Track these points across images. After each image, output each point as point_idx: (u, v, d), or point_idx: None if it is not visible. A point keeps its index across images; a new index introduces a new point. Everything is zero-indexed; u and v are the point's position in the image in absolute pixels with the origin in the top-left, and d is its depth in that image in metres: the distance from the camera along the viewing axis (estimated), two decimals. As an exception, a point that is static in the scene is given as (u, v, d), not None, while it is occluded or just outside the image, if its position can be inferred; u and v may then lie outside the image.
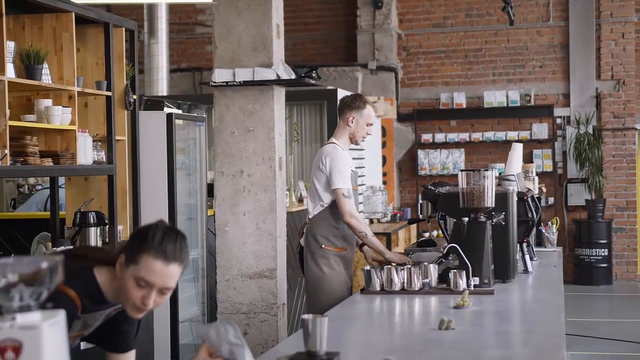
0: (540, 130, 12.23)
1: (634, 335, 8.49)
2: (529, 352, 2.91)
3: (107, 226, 5.44)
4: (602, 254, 11.82)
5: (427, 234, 10.06)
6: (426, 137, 12.53)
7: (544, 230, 6.15)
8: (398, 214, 10.38)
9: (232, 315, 5.45)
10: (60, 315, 1.74)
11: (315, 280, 5.04)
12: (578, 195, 12.18)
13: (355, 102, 5.14)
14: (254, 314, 5.47)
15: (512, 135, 12.17)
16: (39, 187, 7.92)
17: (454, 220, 4.42)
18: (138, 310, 2.57)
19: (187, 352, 6.39)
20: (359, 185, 9.36)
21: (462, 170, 4.32)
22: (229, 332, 2.36)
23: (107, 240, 5.46)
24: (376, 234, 8.76)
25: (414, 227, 10.63)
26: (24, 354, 1.67)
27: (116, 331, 2.79)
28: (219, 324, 2.38)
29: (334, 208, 5.04)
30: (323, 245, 5.03)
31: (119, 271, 2.56)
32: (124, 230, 5.70)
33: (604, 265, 11.85)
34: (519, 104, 12.30)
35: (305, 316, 2.68)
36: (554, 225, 6.18)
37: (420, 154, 12.52)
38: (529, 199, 4.89)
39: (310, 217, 5.14)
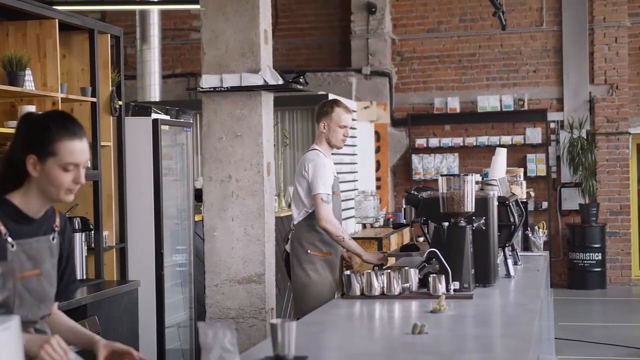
0: (534, 134, 12.23)
1: (627, 340, 8.50)
2: (496, 355, 2.92)
3: (92, 232, 5.45)
4: (596, 258, 11.82)
5: (421, 239, 10.06)
6: (420, 141, 12.55)
7: (530, 235, 6.16)
8: (391, 219, 10.39)
9: (220, 321, 5.45)
10: (14, 321, 1.76)
11: (302, 285, 5.09)
12: (572, 200, 12.19)
13: (323, 108, 5.24)
14: (243, 319, 5.47)
15: (506, 139, 12.18)
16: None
17: (435, 224, 4.43)
18: (70, 193, 2.67)
19: (173, 357, 6.40)
20: (348, 190, 9.43)
21: (442, 175, 4.33)
22: (226, 336, 2.37)
23: (92, 245, 5.48)
24: (367, 238, 8.85)
25: (407, 231, 10.64)
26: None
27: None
28: (220, 325, 2.39)
29: None
30: (309, 251, 5.09)
31: (34, 171, 2.63)
32: (109, 236, 5.71)
33: (598, 269, 11.86)
34: (512, 109, 12.32)
35: (274, 321, 2.71)
36: (541, 230, 6.19)
37: (415, 158, 12.53)
38: (512, 204, 4.90)
39: (294, 222, 5.21)
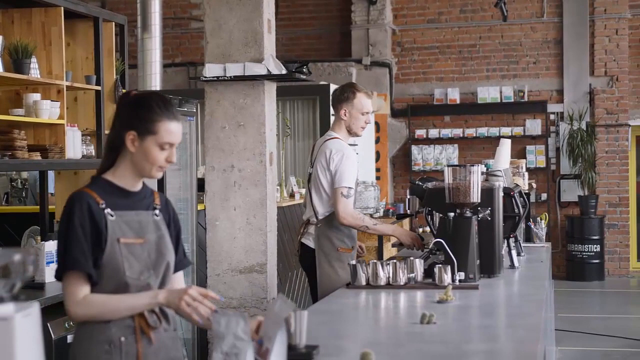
0: (534, 126, 12.25)
1: (625, 331, 8.53)
2: (506, 345, 2.94)
3: (96, 220, 5.45)
4: (595, 250, 11.85)
5: (421, 230, 10.07)
6: (420, 132, 12.55)
7: (532, 226, 6.17)
8: (391, 210, 10.40)
9: (221, 310, 5.46)
10: (34, 307, 1.76)
11: (330, 282, 4.87)
12: (571, 191, 12.21)
13: (344, 93, 5.03)
14: (244, 309, 5.48)
15: (506, 131, 12.19)
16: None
17: (440, 215, 4.43)
18: (161, 170, 2.81)
19: (176, 346, 6.39)
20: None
21: (448, 166, 4.33)
22: (240, 325, 2.38)
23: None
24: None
25: (406, 222, 10.66)
26: (-4, 345, 1.69)
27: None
28: (233, 314, 2.40)
29: None
30: (339, 248, 4.95)
31: (132, 147, 2.75)
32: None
33: (596, 261, 11.89)
34: (512, 100, 12.32)
35: (285, 310, 2.70)
36: (543, 221, 6.20)
37: (414, 149, 12.54)
38: (516, 195, 4.90)
39: (320, 217, 5.00)
